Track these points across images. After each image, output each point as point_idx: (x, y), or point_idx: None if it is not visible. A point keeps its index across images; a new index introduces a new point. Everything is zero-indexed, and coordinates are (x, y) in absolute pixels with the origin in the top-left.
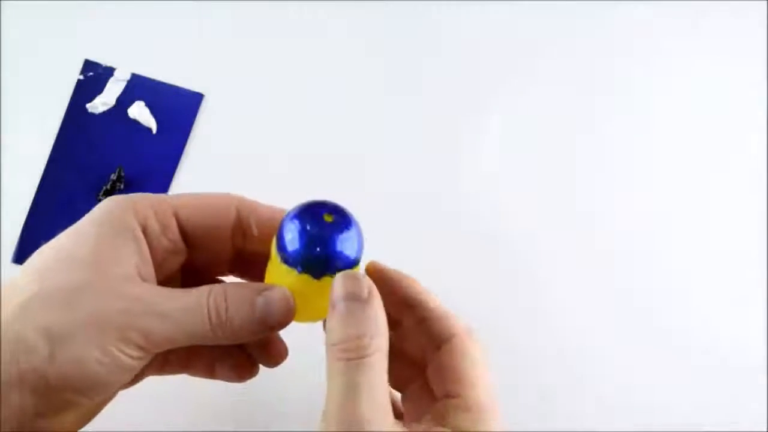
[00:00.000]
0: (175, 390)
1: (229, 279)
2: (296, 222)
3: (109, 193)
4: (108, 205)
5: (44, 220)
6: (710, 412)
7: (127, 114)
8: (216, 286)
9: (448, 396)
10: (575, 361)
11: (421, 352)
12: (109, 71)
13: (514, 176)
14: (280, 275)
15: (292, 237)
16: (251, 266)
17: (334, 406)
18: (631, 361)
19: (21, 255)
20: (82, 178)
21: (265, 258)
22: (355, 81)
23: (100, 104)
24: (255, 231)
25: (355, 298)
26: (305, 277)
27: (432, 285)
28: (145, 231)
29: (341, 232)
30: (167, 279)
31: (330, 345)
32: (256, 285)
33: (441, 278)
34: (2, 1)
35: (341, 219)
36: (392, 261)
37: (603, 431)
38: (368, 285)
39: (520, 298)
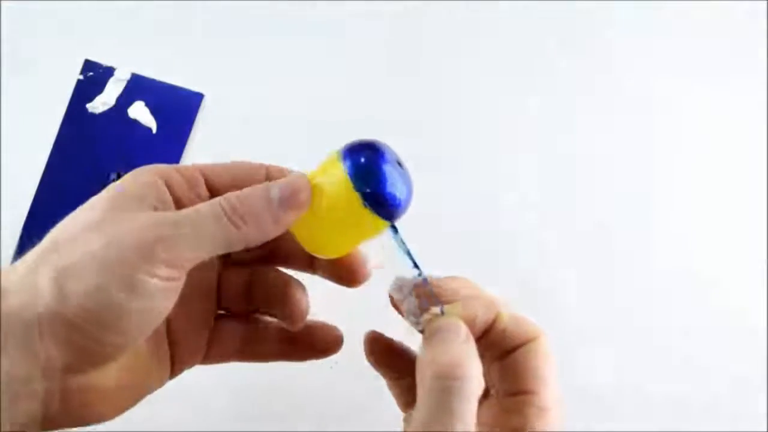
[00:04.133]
0: (174, 391)
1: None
2: (375, 149)
3: None
4: (133, 172)
5: (44, 221)
6: (710, 412)
7: (127, 114)
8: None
9: (519, 393)
10: (574, 362)
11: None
12: (109, 71)
13: (518, 180)
14: (329, 183)
15: (365, 157)
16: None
17: (422, 427)
18: (631, 362)
19: (21, 255)
20: (82, 178)
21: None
22: (356, 81)
23: (100, 104)
24: None
25: (455, 334)
26: (354, 198)
27: None
28: (169, 185)
29: (403, 176)
30: None
31: (430, 361)
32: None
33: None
34: (2, 1)
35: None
36: None
37: (603, 431)
38: (467, 330)
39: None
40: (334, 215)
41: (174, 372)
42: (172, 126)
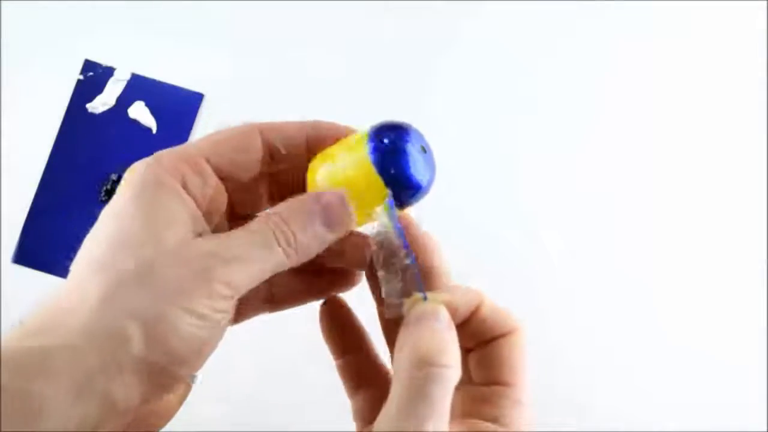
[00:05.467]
0: None
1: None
2: (403, 131)
3: (109, 193)
4: (138, 174)
5: (44, 220)
6: (710, 412)
7: (127, 114)
8: (271, 211)
9: (495, 383)
10: (574, 361)
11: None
12: (109, 71)
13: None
14: (343, 158)
15: (391, 138)
16: (287, 190)
17: (397, 412)
18: (631, 362)
19: (21, 255)
20: (82, 178)
21: (299, 178)
22: (359, 81)
23: (100, 104)
24: (283, 150)
25: (437, 320)
26: (375, 179)
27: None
28: (185, 187)
29: (426, 161)
30: (216, 226)
31: (412, 345)
32: (308, 194)
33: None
34: (2, 1)
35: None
36: None
37: (601, 431)
38: (449, 317)
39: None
40: (355, 193)
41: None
42: (172, 126)
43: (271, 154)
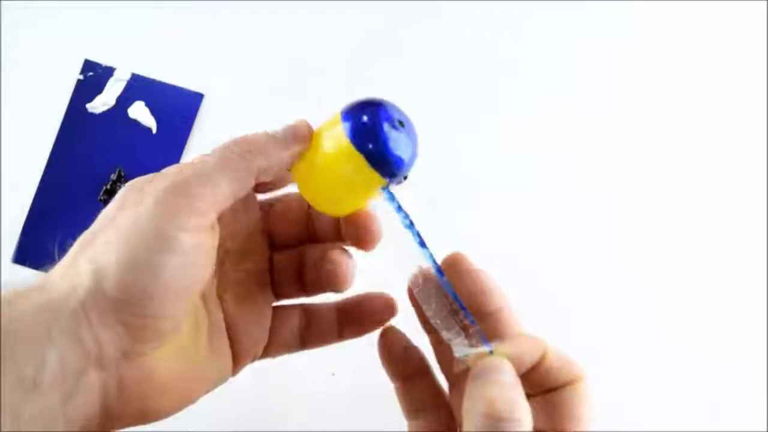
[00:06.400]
0: None
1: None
2: (376, 107)
3: (109, 192)
4: None
5: (44, 220)
6: (710, 412)
7: (127, 114)
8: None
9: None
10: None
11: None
12: (109, 71)
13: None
14: (325, 146)
15: (366, 116)
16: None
17: None
18: (631, 361)
19: (21, 255)
20: (82, 178)
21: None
22: (357, 80)
23: (100, 104)
24: None
25: (503, 374)
26: (354, 156)
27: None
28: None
29: (406, 134)
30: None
31: (482, 399)
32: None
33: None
34: (2, 1)
35: (409, 128)
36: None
37: (601, 431)
38: (514, 372)
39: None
40: (334, 172)
41: (237, 366)
42: (172, 126)
43: None
